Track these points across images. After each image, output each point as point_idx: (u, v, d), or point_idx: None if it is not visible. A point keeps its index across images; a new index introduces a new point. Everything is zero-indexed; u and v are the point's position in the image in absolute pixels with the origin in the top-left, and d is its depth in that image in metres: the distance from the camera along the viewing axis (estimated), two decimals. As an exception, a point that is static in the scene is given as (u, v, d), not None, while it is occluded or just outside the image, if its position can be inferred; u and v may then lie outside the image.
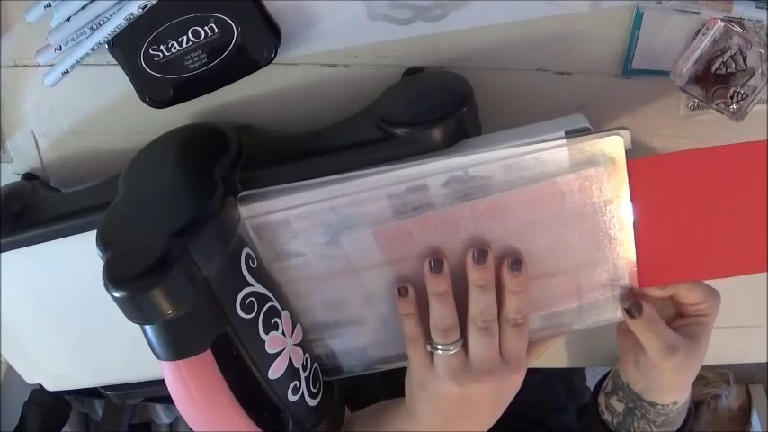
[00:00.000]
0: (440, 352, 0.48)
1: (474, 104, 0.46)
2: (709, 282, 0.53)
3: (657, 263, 0.49)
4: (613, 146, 0.44)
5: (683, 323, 0.53)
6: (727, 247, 0.48)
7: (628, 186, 0.45)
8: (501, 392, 0.50)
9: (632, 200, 0.46)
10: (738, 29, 0.47)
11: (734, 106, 0.50)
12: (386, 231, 0.47)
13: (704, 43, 0.48)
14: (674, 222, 0.47)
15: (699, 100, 0.51)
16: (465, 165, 0.44)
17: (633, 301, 0.50)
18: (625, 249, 0.48)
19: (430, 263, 0.47)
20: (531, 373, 0.76)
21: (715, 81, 0.50)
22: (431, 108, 0.45)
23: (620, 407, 0.59)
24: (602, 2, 0.48)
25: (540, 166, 0.44)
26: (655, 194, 0.46)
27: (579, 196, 0.46)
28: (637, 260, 0.49)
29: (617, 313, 0.51)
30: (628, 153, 0.44)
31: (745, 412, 1.62)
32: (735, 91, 0.50)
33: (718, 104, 0.50)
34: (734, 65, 0.49)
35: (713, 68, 0.50)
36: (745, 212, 0.47)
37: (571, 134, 0.44)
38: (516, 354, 0.49)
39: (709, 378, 1.63)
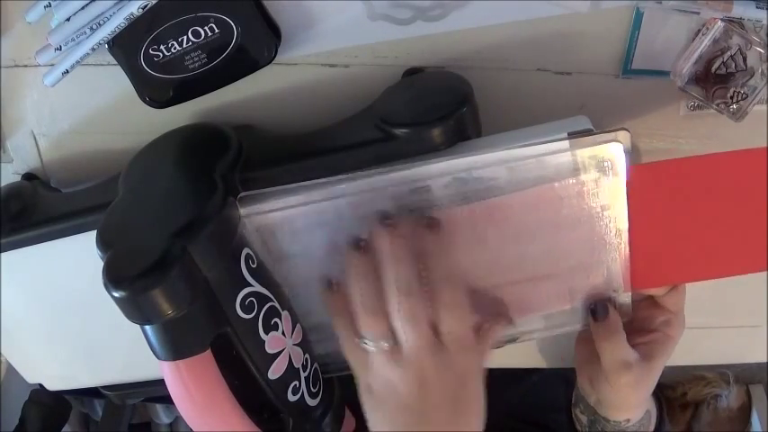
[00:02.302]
0: (369, 344, 0.43)
1: (474, 104, 0.46)
2: (708, 283, 0.53)
3: (651, 266, 0.49)
4: (614, 152, 0.44)
5: (644, 340, 0.51)
6: (720, 250, 0.48)
7: (626, 192, 0.45)
8: (452, 384, 0.43)
9: (629, 205, 0.46)
10: (738, 29, 0.47)
11: (734, 106, 0.50)
12: None
13: (704, 43, 0.48)
14: (670, 226, 0.47)
15: (699, 100, 0.51)
16: (469, 166, 0.44)
17: (601, 303, 0.49)
18: (620, 254, 0.48)
19: (354, 241, 0.44)
20: (530, 373, 0.76)
21: (715, 81, 0.50)
22: (431, 108, 0.45)
23: (584, 419, 0.58)
24: (602, 2, 0.48)
25: (544, 168, 0.44)
26: (652, 199, 0.46)
27: (577, 201, 0.46)
28: (631, 263, 0.49)
29: None
30: (627, 155, 0.44)
31: (745, 412, 1.62)
32: (735, 91, 0.50)
33: (718, 104, 0.50)
34: (734, 65, 0.49)
35: (713, 68, 0.50)
36: (740, 218, 0.47)
37: (574, 136, 0.44)
38: (458, 335, 0.43)
39: (709, 378, 1.63)
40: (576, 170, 0.44)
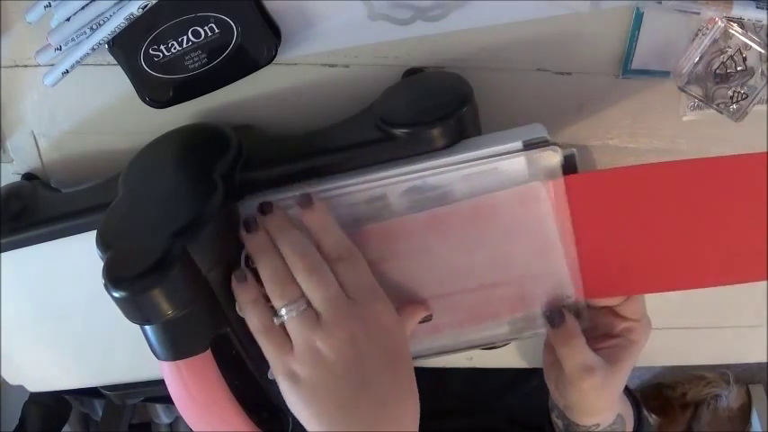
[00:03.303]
0: (285, 315, 0.42)
1: (474, 104, 0.46)
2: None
3: (602, 275, 0.49)
4: (556, 160, 0.44)
5: (607, 344, 0.51)
6: (670, 261, 0.48)
7: (567, 200, 0.45)
8: (381, 339, 0.43)
9: (573, 213, 0.46)
10: (738, 29, 0.47)
11: (734, 106, 0.50)
12: None
13: (704, 43, 0.48)
14: (618, 236, 0.47)
15: (699, 100, 0.51)
16: (423, 174, 0.45)
17: (556, 310, 0.49)
18: (569, 261, 0.48)
19: (245, 224, 0.44)
20: (529, 377, 0.76)
21: (715, 81, 0.50)
22: (431, 108, 0.45)
23: (560, 423, 0.58)
24: (602, 2, 0.48)
25: (497, 176, 0.45)
26: (596, 208, 0.46)
27: (520, 209, 0.46)
28: (581, 272, 0.49)
29: None
30: (572, 162, 0.45)
31: (745, 412, 1.62)
32: (735, 91, 0.50)
33: (718, 104, 0.50)
34: (734, 65, 0.49)
35: (713, 68, 0.50)
36: (684, 227, 0.46)
37: (529, 144, 0.44)
38: (362, 285, 0.43)
39: (709, 378, 1.63)
40: (525, 178, 0.45)
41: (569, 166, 0.45)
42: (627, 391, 0.60)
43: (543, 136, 0.44)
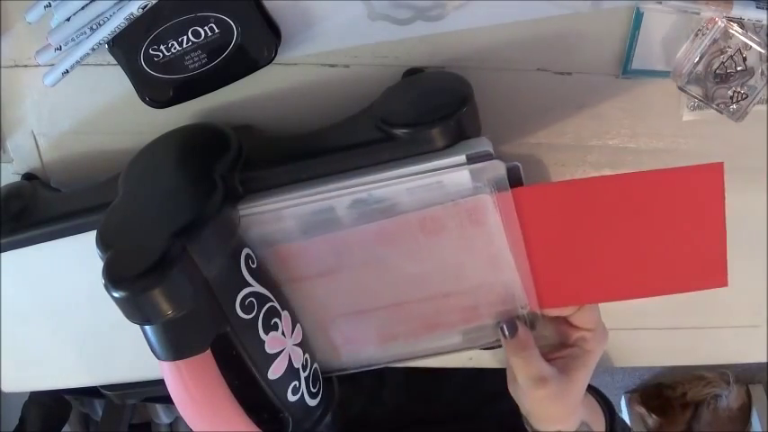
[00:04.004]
0: None
1: (474, 104, 0.46)
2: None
3: (556, 285, 0.49)
4: (500, 172, 0.44)
5: (562, 354, 0.51)
6: (623, 271, 0.49)
7: (515, 212, 0.46)
8: None
9: (523, 225, 0.46)
10: (738, 29, 0.47)
11: (734, 106, 0.50)
12: (287, 249, 0.48)
13: (704, 43, 0.48)
14: (569, 247, 0.48)
15: (699, 100, 0.51)
16: (368, 187, 0.45)
17: (509, 321, 0.50)
18: (521, 272, 0.48)
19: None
20: None
21: (715, 81, 0.50)
22: (431, 109, 0.45)
23: (529, 429, 0.58)
24: (602, 2, 0.48)
25: (442, 188, 0.45)
26: (545, 220, 0.46)
27: (467, 221, 0.46)
28: (534, 282, 0.49)
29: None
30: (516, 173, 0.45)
31: (745, 412, 1.62)
32: (735, 91, 0.50)
33: (718, 104, 0.50)
34: (734, 65, 0.49)
35: (713, 68, 0.50)
36: (636, 238, 0.47)
37: (473, 157, 0.44)
38: None
39: (709, 378, 1.63)
40: (470, 191, 0.45)
41: (514, 178, 0.45)
42: (599, 395, 0.60)
43: (486, 149, 0.44)
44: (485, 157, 0.44)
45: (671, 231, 0.47)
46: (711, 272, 0.47)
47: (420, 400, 0.77)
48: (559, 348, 0.52)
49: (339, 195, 0.45)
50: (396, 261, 0.48)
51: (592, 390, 0.61)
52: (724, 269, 0.47)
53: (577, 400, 0.52)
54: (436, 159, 0.44)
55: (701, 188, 0.45)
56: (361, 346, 0.53)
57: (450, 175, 0.44)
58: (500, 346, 0.53)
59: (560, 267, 0.48)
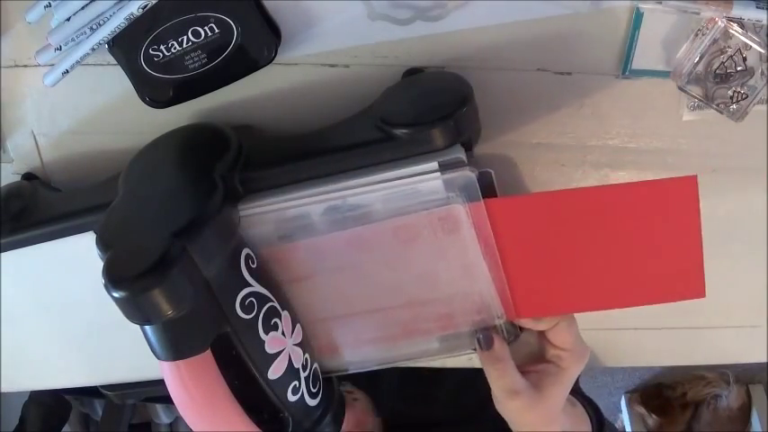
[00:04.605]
0: None
1: (474, 105, 0.46)
2: (708, 282, 0.53)
3: (532, 295, 0.50)
4: (465, 180, 0.44)
5: (537, 368, 0.52)
6: (599, 281, 0.49)
7: (488, 222, 0.46)
8: None
9: (497, 235, 0.46)
10: (738, 29, 0.47)
11: (734, 106, 0.50)
12: (283, 250, 0.48)
13: (704, 43, 0.48)
14: (545, 257, 0.48)
15: (699, 100, 0.51)
16: (343, 194, 0.45)
17: (485, 333, 0.50)
18: (496, 282, 0.49)
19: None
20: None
21: (715, 81, 0.50)
22: (431, 109, 0.45)
23: None
24: (602, 2, 0.48)
25: (415, 196, 0.45)
26: (519, 231, 0.47)
27: (441, 230, 0.46)
28: (511, 291, 0.49)
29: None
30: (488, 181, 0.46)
31: (745, 412, 1.63)
32: (735, 91, 0.50)
33: (718, 104, 0.50)
34: (734, 65, 0.49)
35: (713, 68, 0.50)
36: (612, 249, 0.47)
37: (445, 165, 0.44)
38: None
39: (709, 378, 1.63)
40: (443, 198, 0.45)
41: (487, 186, 0.45)
42: (589, 404, 0.60)
43: (458, 156, 0.44)
44: (457, 164, 0.44)
45: (647, 243, 0.47)
46: (689, 283, 0.48)
47: (416, 402, 0.77)
48: (536, 362, 0.52)
49: (314, 202, 0.46)
50: (371, 268, 0.49)
51: (581, 397, 0.61)
52: (701, 280, 0.48)
53: (552, 412, 0.52)
54: (408, 166, 0.44)
55: (676, 201, 0.45)
56: (340, 349, 0.53)
57: (423, 182, 0.45)
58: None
59: (536, 277, 0.49)
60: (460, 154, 0.44)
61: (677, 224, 0.46)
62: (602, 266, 0.48)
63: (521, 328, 0.52)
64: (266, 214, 0.46)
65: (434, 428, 0.76)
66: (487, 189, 0.46)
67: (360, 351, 0.53)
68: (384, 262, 0.48)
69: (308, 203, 0.46)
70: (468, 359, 0.66)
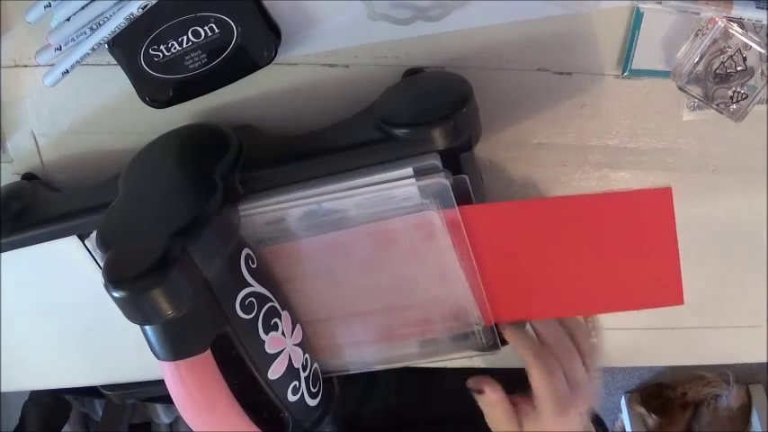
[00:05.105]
0: None
1: (474, 104, 0.46)
2: (708, 282, 0.53)
3: (508, 301, 0.50)
4: (440, 186, 0.44)
5: (524, 402, 0.52)
6: (575, 288, 0.50)
7: (463, 229, 0.46)
8: None
9: (472, 242, 0.47)
10: (738, 29, 0.47)
11: (734, 106, 0.50)
12: (279, 250, 0.48)
13: (704, 43, 0.48)
14: (521, 264, 0.49)
15: (699, 100, 0.51)
16: (318, 199, 0.45)
17: (479, 381, 0.51)
18: (473, 288, 0.49)
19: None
20: (524, 379, 0.76)
21: (715, 81, 0.50)
22: (431, 108, 0.45)
23: None
24: (602, 2, 0.48)
25: (390, 202, 0.45)
26: (495, 238, 0.47)
27: (416, 236, 0.47)
28: (487, 297, 0.50)
29: (476, 349, 0.53)
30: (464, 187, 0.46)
31: (745, 412, 1.62)
32: (735, 91, 0.50)
33: (718, 104, 0.50)
34: (734, 65, 0.49)
35: (713, 68, 0.50)
36: (587, 257, 0.48)
37: (420, 172, 0.44)
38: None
39: (709, 378, 1.63)
40: (418, 204, 0.45)
41: (462, 192, 0.46)
42: (597, 421, 0.60)
43: (433, 162, 0.44)
44: (432, 170, 0.44)
45: (623, 251, 0.48)
46: (666, 290, 0.49)
47: (412, 400, 0.77)
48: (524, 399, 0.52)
49: (291, 207, 0.46)
50: (349, 272, 0.49)
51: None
52: (679, 288, 0.48)
53: None
54: (384, 172, 0.45)
55: (651, 211, 0.46)
56: (321, 352, 0.54)
57: (399, 188, 0.45)
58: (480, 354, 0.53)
59: (513, 284, 0.49)
60: (435, 160, 0.44)
61: (653, 233, 0.47)
62: (578, 273, 0.49)
63: (503, 340, 0.53)
64: (245, 218, 0.46)
65: (431, 426, 0.76)
66: (463, 195, 0.46)
67: (339, 354, 0.54)
68: (361, 267, 0.49)
69: (285, 208, 0.46)
70: (468, 357, 0.66)
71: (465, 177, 0.45)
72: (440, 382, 0.78)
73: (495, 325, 0.52)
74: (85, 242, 0.50)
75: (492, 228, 0.47)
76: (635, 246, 0.47)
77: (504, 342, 0.53)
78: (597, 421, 0.61)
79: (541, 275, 0.49)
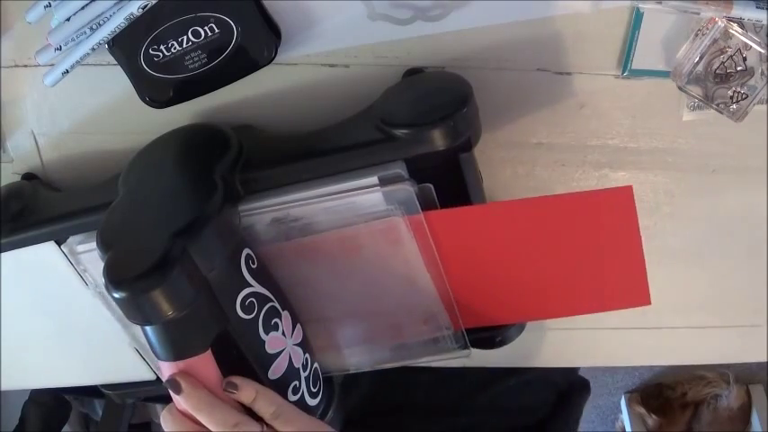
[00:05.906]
0: None
1: (474, 105, 0.46)
2: (708, 282, 0.53)
3: (477, 305, 0.50)
4: (405, 194, 0.45)
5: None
6: (543, 291, 0.50)
7: (429, 234, 0.46)
8: None
9: (438, 248, 0.47)
10: (738, 29, 0.47)
11: (734, 106, 0.50)
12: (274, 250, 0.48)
13: (704, 43, 0.48)
14: (488, 268, 0.49)
15: (699, 100, 0.51)
16: (284, 207, 0.46)
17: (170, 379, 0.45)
18: (441, 293, 0.49)
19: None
20: (508, 376, 0.75)
21: (715, 81, 0.50)
22: (431, 109, 0.45)
23: None
24: (602, 2, 0.48)
25: (356, 210, 0.45)
26: (461, 242, 0.47)
27: (383, 242, 0.47)
28: (456, 301, 0.50)
29: (447, 353, 0.53)
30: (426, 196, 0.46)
31: (745, 412, 1.63)
32: (735, 91, 0.50)
33: (718, 104, 0.50)
34: (734, 65, 0.49)
35: (713, 68, 0.50)
36: (553, 260, 0.48)
37: (385, 180, 0.44)
38: None
39: (710, 378, 1.63)
40: (383, 212, 0.45)
41: (427, 200, 0.46)
42: (582, 385, 0.60)
43: (398, 171, 0.45)
44: (396, 179, 0.44)
45: (588, 252, 0.48)
46: (633, 291, 0.49)
47: (394, 388, 0.77)
48: None
49: (258, 213, 0.46)
50: (319, 278, 0.49)
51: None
52: (645, 288, 0.48)
53: None
54: (349, 180, 0.45)
55: (613, 211, 0.46)
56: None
57: (364, 196, 0.45)
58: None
59: (481, 288, 0.49)
60: (401, 170, 0.45)
61: (617, 234, 0.47)
62: (544, 276, 0.49)
63: (473, 342, 0.53)
64: (249, 217, 0.46)
65: (414, 414, 0.76)
66: (428, 204, 0.46)
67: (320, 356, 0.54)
68: (331, 272, 0.49)
69: (253, 214, 0.46)
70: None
71: (430, 186, 0.46)
72: (422, 370, 0.78)
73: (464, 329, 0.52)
74: (62, 247, 0.50)
75: (457, 232, 0.47)
76: (599, 246, 0.47)
77: (476, 345, 0.53)
78: (582, 384, 0.61)
79: (508, 278, 0.49)
